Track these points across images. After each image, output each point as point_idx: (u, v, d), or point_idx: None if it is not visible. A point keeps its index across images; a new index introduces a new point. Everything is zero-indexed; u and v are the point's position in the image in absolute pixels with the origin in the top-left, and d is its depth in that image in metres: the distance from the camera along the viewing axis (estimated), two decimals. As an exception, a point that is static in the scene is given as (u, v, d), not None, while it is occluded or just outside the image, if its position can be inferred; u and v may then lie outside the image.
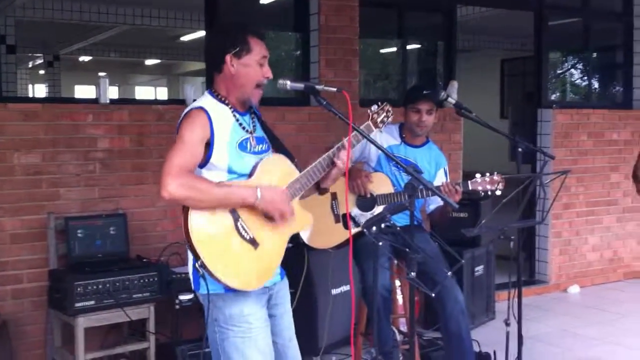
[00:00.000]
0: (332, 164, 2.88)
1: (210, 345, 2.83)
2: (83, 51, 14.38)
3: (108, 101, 4.91)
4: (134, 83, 21.47)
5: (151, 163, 4.91)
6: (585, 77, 8.60)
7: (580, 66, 8.58)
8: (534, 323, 5.79)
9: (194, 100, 2.93)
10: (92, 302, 4.16)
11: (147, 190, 4.91)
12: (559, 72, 8.64)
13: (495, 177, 3.88)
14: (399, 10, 6.44)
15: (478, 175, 3.92)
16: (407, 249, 3.00)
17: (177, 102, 5.55)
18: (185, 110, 2.76)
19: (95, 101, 4.97)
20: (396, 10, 6.45)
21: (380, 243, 3.00)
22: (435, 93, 4.37)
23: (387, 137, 4.30)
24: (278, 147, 2.93)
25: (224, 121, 2.75)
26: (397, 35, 6.62)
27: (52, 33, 11.65)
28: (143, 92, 21.40)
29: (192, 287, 2.81)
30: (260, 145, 2.87)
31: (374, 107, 3.12)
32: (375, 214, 4.00)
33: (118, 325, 4.53)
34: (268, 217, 2.76)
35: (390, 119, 3.16)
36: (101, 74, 15.29)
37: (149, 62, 17.55)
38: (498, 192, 3.89)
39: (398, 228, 3.19)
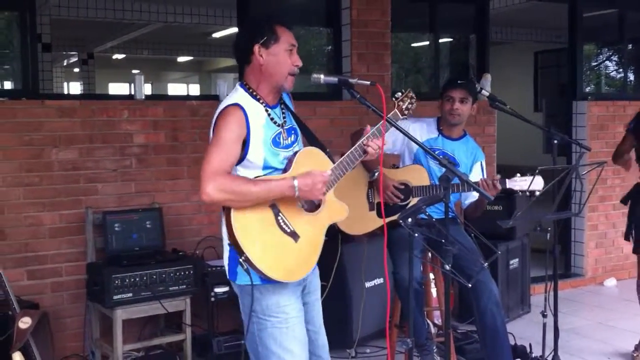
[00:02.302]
0: (365, 153, 2.88)
1: (246, 336, 2.85)
2: (116, 49, 14.53)
3: (144, 97, 4.97)
4: (167, 80, 21.63)
5: (185, 158, 4.96)
6: (621, 69, 8.48)
7: (615, 58, 8.47)
8: (570, 316, 5.74)
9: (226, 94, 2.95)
10: (130, 295, 4.23)
11: (182, 185, 4.97)
12: (593, 64, 8.53)
13: (533, 176, 3.82)
14: (431, 4, 6.41)
15: (518, 175, 3.88)
16: (442, 241, 2.99)
17: (210, 97, 5.59)
18: (221, 107, 2.76)
19: (130, 97, 5.03)
20: (428, 4, 6.42)
21: (415, 234, 3.00)
22: (468, 82, 4.33)
23: (426, 130, 4.28)
24: (310, 138, 2.94)
25: (258, 118, 2.76)
26: (429, 29, 6.58)
27: (87, 31, 11.79)
28: (175, 89, 21.55)
29: (228, 277, 2.84)
30: (290, 137, 2.88)
31: (399, 94, 3.13)
32: (410, 205, 4.00)
33: (155, 317, 4.60)
34: (307, 205, 2.77)
35: (414, 106, 3.16)
36: (134, 71, 15.46)
37: (181, 59, 17.66)
38: (537, 193, 3.84)
39: (432, 220, 3.20)
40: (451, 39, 7.24)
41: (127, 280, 4.22)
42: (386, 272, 3.35)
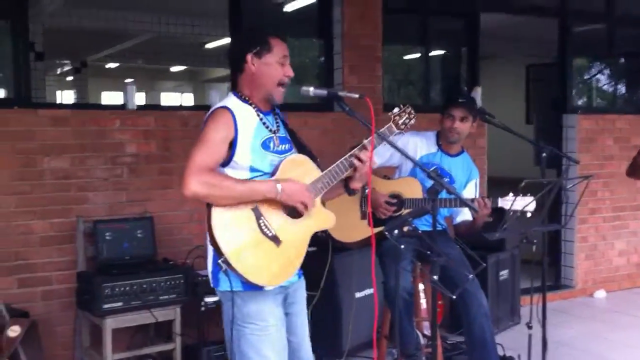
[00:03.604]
0: (356, 162, 2.89)
1: (226, 342, 2.87)
2: (110, 58, 14.53)
3: (135, 107, 4.99)
4: (160, 89, 21.64)
5: (177, 167, 4.98)
6: (611, 83, 8.55)
7: (605, 72, 8.53)
8: (560, 327, 5.77)
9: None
10: (120, 304, 4.24)
11: (173, 194, 4.98)
12: (584, 78, 8.59)
13: (526, 197, 3.83)
14: (422, 17, 6.46)
15: (511, 194, 3.90)
16: (430, 252, 3.02)
17: (202, 107, 5.61)
18: (211, 110, 2.82)
19: (122, 107, 5.05)
20: (419, 17, 6.47)
21: (402, 246, 3.03)
22: (469, 101, 4.36)
23: (426, 144, 4.32)
24: (300, 147, 2.97)
25: (248, 121, 2.80)
26: (421, 42, 6.63)
27: (80, 40, 11.80)
28: (169, 99, 21.55)
29: (211, 284, 2.86)
30: (284, 145, 2.92)
31: (396, 110, 3.13)
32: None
33: (145, 326, 4.60)
34: (291, 213, 2.80)
35: (412, 121, 3.14)
36: (127, 80, 15.46)
37: (175, 68, 17.69)
38: (529, 214, 3.86)
39: (419, 232, 3.22)
40: (443, 52, 7.29)
41: (117, 289, 4.23)
42: (374, 282, 3.36)
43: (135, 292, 4.27)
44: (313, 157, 2.94)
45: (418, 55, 6.97)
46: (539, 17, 7.42)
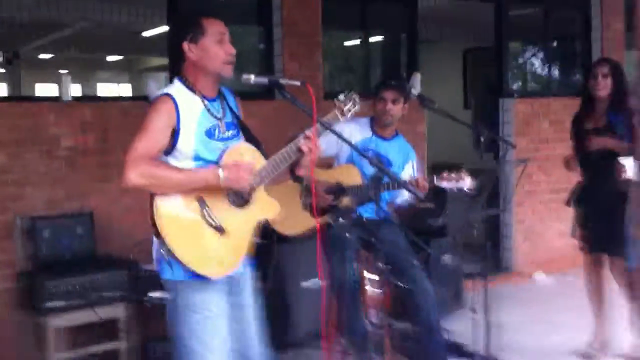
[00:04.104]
0: (300, 151, 2.88)
1: (170, 331, 2.84)
2: (43, 49, 14.15)
3: (70, 98, 4.87)
4: (96, 80, 21.19)
5: (116, 160, 4.83)
6: (546, 67, 8.72)
7: (540, 56, 8.70)
8: (502, 311, 5.85)
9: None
10: (62, 302, 4.16)
11: (112, 188, 4.88)
12: (520, 61, 8.75)
13: (461, 173, 3.90)
14: (362, 2, 6.47)
15: (446, 172, 3.95)
16: (374, 240, 3.04)
17: (140, 98, 5.52)
18: (153, 97, 2.79)
19: (57, 99, 4.92)
20: (359, 3, 6.48)
21: (348, 235, 3.04)
22: (400, 83, 4.41)
23: (359, 130, 4.33)
24: (245, 133, 2.96)
25: (192, 109, 2.77)
26: (360, 28, 6.64)
27: (10, 30, 11.45)
28: (106, 89, 21.14)
29: (159, 274, 2.83)
30: (230, 131, 2.89)
31: (341, 97, 3.08)
32: (341, 204, 4.03)
33: (89, 325, 4.50)
34: (235, 202, 2.77)
35: (357, 107, 3.10)
36: (62, 71, 15.09)
37: (111, 58, 17.34)
38: (465, 189, 3.91)
39: (364, 219, 3.24)
40: (382, 38, 7.31)
41: (59, 288, 4.14)
42: (320, 271, 3.36)
43: (77, 290, 4.19)
44: (258, 145, 2.93)
45: (358, 41, 6.99)
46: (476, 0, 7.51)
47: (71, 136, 4.79)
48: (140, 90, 17.46)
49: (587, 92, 4.67)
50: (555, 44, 8.46)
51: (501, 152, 6.70)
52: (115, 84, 21.10)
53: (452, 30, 11.31)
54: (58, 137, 4.75)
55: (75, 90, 5.26)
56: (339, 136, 2.99)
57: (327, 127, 2.92)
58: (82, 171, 4.83)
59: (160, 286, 2.89)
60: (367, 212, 4.10)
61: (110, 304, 4.33)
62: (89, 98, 7.24)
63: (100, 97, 9.10)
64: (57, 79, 5.15)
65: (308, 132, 2.88)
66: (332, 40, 6.78)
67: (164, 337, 4.39)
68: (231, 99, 3.00)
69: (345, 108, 3.08)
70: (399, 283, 3.13)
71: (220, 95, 2.93)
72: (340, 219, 3.02)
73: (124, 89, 20.61)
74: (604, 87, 4.52)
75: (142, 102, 4.85)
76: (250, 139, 2.95)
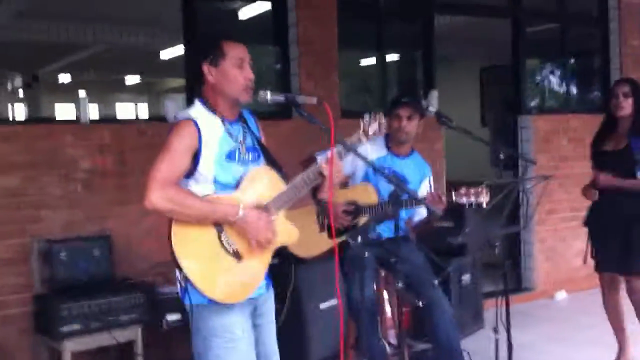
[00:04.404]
0: (321, 175, 2.83)
1: (193, 356, 2.80)
2: (61, 70, 14.27)
3: (89, 120, 4.88)
4: (115, 100, 21.34)
5: (134, 182, 4.87)
6: (564, 83, 8.66)
7: (558, 72, 8.64)
8: (523, 330, 5.78)
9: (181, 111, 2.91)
10: (79, 326, 4.13)
11: (131, 210, 4.86)
12: (537, 78, 8.70)
13: (479, 188, 3.85)
14: (378, 21, 6.45)
15: (464, 188, 3.90)
16: (393, 260, 2.99)
17: (158, 119, 5.52)
18: (175, 120, 2.76)
19: (75, 121, 4.93)
20: (375, 21, 6.46)
21: (366, 254, 2.99)
22: (415, 100, 4.38)
23: (375, 149, 4.29)
24: (266, 157, 2.92)
25: (213, 132, 2.75)
26: (377, 47, 6.63)
27: (30, 53, 11.56)
28: (125, 109, 21.29)
29: (181, 299, 2.79)
30: (251, 154, 2.86)
31: (366, 117, 2.93)
32: (359, 224, 3.99)
33: (106, 348, 4.47)
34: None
35: (382, 131, 2.97)
36: (81, 92, 15.18)
37: (129, 80, 17.47)
38: (484, 205, 3.86)
39: (383, 239, 3.19)
40: (399, 56, 7.29)
41: (75, 311, 4.11)
42: (338, 292, 3.31)
43: (94, 313, 4.16)
44: (278, 168, 2.90)
45: (374, 60, 6.97)
46: (492, 16, 7.47)
47: (89, 158, 4.79)
48: (158, 111, 17.56)
49: (609, 111, 4.63)
50: (572, 60, 8.40)
51: (521, 169, 6.65)
52: (133, 104, 21.27)
53: (469, 49, 11.29)
54: (76, 159, 4.75)
55: (94, 111, 5.26)
56: (361, 157, 2.93)
57: (350, 149, 2.85)
58: (99, 193, 4.82)
59: (178, 309, 2.86)
60: (385, 231, 4.06)
61: (127, 327, 4.30)
62: (107, 120, 7.24)
63: (118, 120, 9.11)
64: (76, 101, 5.16)
65: (324, 153, 2.85)
66: (348, 59, 6.77)
67: (182, 360, 4.41)
68: (252, 121, 2.98)
69: (371, 130, 2.94)
70: (418, 303, 3.07)
71: (241, 118, 2.91)
72: (359, 239, 2.97)
73: (142, 110, 20.77)
74: (625, 106, 4.48)
75: (159, 123, 4.85)
76: (271, 161, 2.92)
